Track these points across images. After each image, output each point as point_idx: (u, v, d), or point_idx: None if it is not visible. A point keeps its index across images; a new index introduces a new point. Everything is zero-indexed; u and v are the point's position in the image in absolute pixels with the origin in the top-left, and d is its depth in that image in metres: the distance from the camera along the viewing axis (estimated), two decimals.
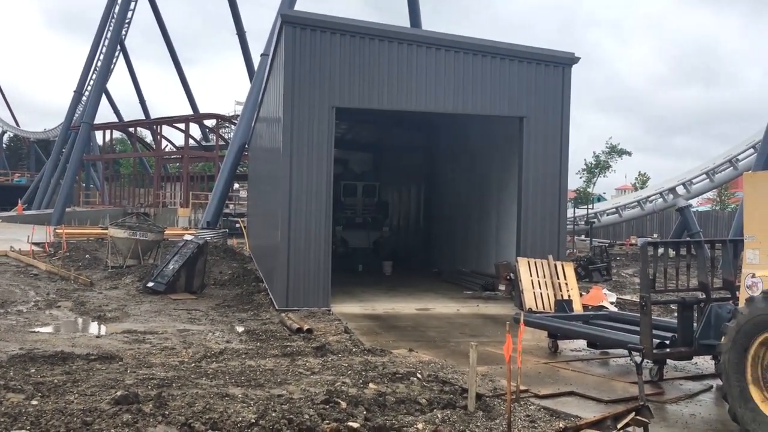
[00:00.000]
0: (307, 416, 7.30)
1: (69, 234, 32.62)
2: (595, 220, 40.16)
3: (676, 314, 10.44)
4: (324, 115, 16.84)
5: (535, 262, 17.35)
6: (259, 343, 12.47)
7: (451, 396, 8.76)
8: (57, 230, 34.12)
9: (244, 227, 36.44)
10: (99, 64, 57.23)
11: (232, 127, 54.06)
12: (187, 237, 23.69)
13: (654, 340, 9.58)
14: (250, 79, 47.40)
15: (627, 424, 5.92)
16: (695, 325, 9.75)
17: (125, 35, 62.81)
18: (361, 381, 9.30)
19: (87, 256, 26.63)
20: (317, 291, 16.63)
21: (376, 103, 17.58)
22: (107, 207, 58.76)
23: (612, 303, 17.34)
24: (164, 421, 6.98)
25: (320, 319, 15.10)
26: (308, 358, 10.93)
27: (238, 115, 45.53)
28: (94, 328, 14.56)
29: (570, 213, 36.99)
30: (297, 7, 33.00)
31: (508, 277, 18.80)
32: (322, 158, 16.83)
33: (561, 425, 7.51)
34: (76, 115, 61.33)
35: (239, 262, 25.61)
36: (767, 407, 7.10)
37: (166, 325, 14.50)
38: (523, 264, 17.27)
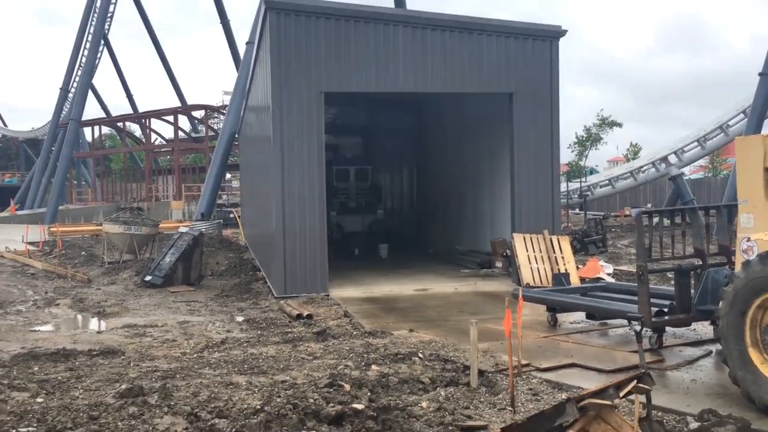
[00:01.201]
0: (311, 400, 7.34)
1: (63, 232, 32.54)
2: (589, 192, 40.29)
3: (673, 282, 10.52)
4: (312, 100, 16.78)
5: (531, 238, 17.41)
6: (259, 331, 12.51)
7: (454, 374, 8.82)
8: (51, 228, 34.01)
9: (238, 217, 36.40)
10: (84, 60, 56.75)
11: (221, 117, 53.82)
12: (182, 229, 23.67)
13: (652, 308, 9.65)
14: (237, 68, 47.13)
15: (629, 392, 5.96)
16: (692, 291, 9.83)
17: (108, 29, 62.27)
18: (363, 363, 9.35)
19: (83, 253, 26.59)
20: (315, 277, 16.67)
21: (364, 86, 17.52)
22: (100, 203, 58.59)
23: (609, 274, 17.43)
24: (170, 411, 7.01)
25: (319, 305, 15.15)
26: (310, 344, 10.97)
27: (226, 105, 45.30)
28: (94, 323, 14.57)
29: (563, 187, 37.03)
30: None
31: (504, 254, 18.87)
32: (313, 144, 16.79)
33: (564, 396, 7.57)
34: (64, 112, 60.90)
35: (235, 252, 25.62)
36: (767, 369, 7.17)
37: (166, 318, 14.52)
38: (518, 240, 17.33)
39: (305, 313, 13.67)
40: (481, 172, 22.16)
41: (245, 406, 7.16)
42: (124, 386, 7.91)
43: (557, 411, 5.59)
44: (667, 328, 10.38)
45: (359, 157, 30.65)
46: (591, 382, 8.16)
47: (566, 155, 57.48)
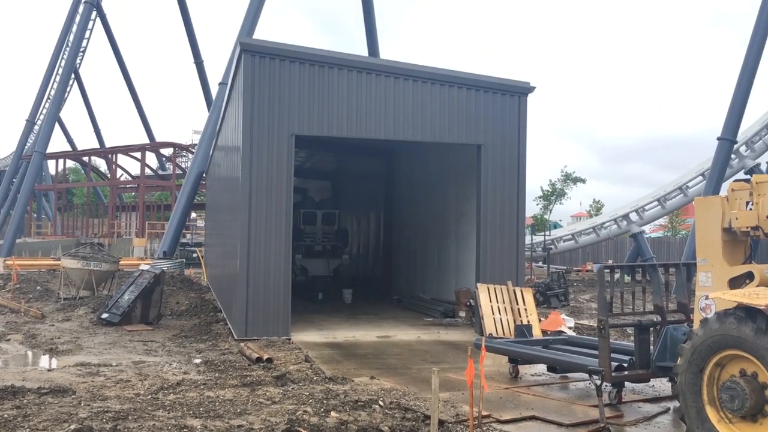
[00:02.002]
0: None
1: (19, 265, 31.69)
2: (552, 246, 40.80)
3: (632, 338, 10.62)
4: (283, 143, 16.83)
5: (495, 288, 17.49)
6: (217, 374, 12.24)
7: (414, 423, 8.72)
8: (7, 261, 33.12)
9: (202, 257, 35.94)
10: (52, 92, 56.26)
11: (190, 156, 53.57)
12: (143, 267, 23.24)
13: (612, 363, 9.72)
14: (208, 107, 47.17)
15: None
16: (652, 347, 9.94)
17: (80, 64, 62.01)
18: (322, 410, 9.19)
19: (38, 287, 25.88)
20: (277, 320, 16.45)
21: (335, 131, 17.66)
22: (60, 237, 57.33)
23: (570, 328, 17.54)
24: None
25: (280, 348, 14.91)
26: (268, 388, 10.76)
27: (195, 144, 45.16)
28: (45, 361, 14.11)
29: (527, 240, 37.48)
30: (253, 35, 33.08)
31: (468, 304, 18.89)
32: (282, 187, 16.77)
33: None
34: (28, 144, 60.00)
35: (197, 292, 25.20)
36: (724, 427, 7.23)
37: (121, 357, 14.13)
38: (482, 290, 17.39)
39: (265, 357, 13.44)
40: (447, 222, 22.33)
41: None
42: (73, 427, 7.65)
43: None
44: (627, 384, 10.45)
45: (327, 201, 30.69)
46: None
47: (531, 208, 58.32)
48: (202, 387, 10.84)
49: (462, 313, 19.39)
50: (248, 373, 12.05)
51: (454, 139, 18.57)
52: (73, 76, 59.28)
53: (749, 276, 7.85)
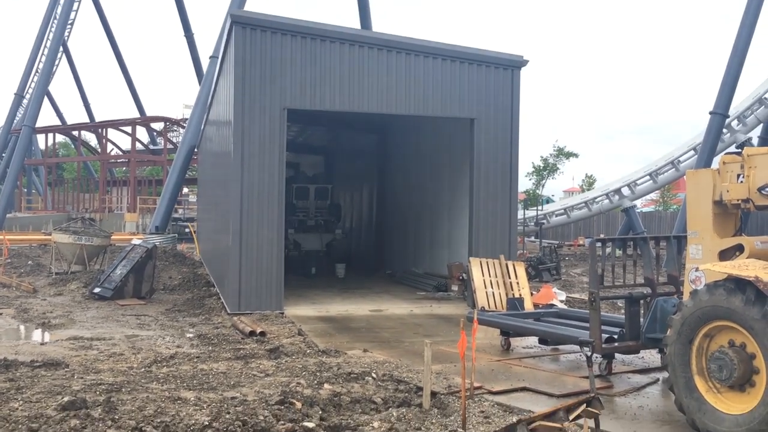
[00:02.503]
0: (261, 417, 7.23)
1: (10, 240, 31.57)
2: (545, 221, 40.89)
3: (623, 310, 10.72)
4: (275, 117, 16.72)
5: (487, 262, 17.55)
6: (211, 347, 12.29)
7: (406, 394, 8.80)
8: None
9: (194, 232, 35.87)
10: (41, 65, 55.59)
11: (181, 130, 53.22)
12: (135, 242, 23.20)
13: (603, 335, 9.81)
14: (199, 81, 46.77)
15: (578, 416, 6.04)
16: (642, 319, 10.03)
17: (68, 36, 61.22)
18: (315, 382, 9.26)
19: (30, 262, 25.83)
20: (270, 294, 16.48)
21: (328, 105, 17.55)
22: (50, 212, 57.06)
23: (561, 301, 17.66)
24: (114, 425, 6.82)
25: (273, 322, 14.97)
26: (262, 361, 10.82)
27: (186, 119, 44.81)
28: (38, 335, 14.13)
29: (520, 214, 37.55)
30: (244, 7, 32.69)
31: (460, 278, 18.97)
32: (274, 161, 16.70)
33: (514, 419, 7.60)
34: (17, 118, 59.43)
35: (189, 267, 25.20)
36: (712, 397, 7.33)
37: (113, 331, 14.16)
38: (475, 264, 17.45)
39: (258, 330, 13.50)
40: (440, 196, 22.33)
41: (193, 421, 7.01)
42: (66, 399, 7.68)
43: None
44: (617, 355, 10.56)
45: (320, 175, 30.59)
46: (542, 406, 8.22)
47: (524, 183, 58.47)
48: (195, 360, 10.89)
49: (454, 287, 19.48)
50: (241, 347, 12.11)
51: (447, 113, 18.50)
52: (61, 49, 58.55)
53: (739, 248, 7.90)
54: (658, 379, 10.17)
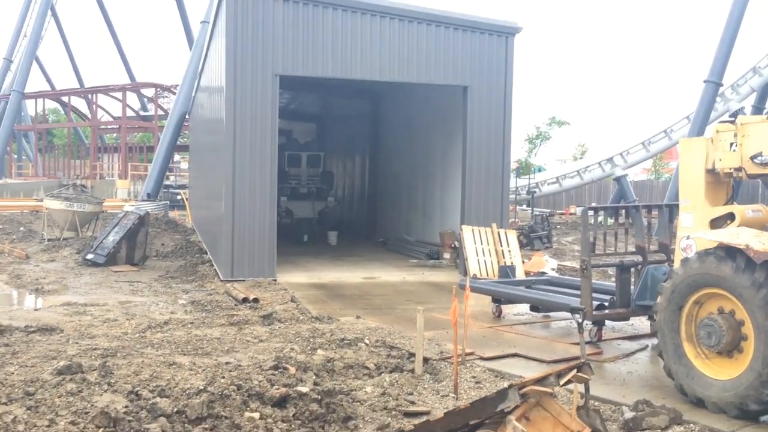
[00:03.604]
0: (256, 382, 7.31)
1: (1, 207, 31.43)
2: (537, 189, 40.95)
3: (613, 279, 10.82)
4: (267, 83, 16.59)
5: (479, 230, 17.61)
6: (204, 314, 12.36)
7: (399, 360, 8.90)
8: None
9: (186, 199, 35.78)
10: (29, 30, 54.71)
11: (172, 96, 52.66)
12: (128, 208, 23.14)
13: (593, 302, 9.91)
14: (190, 47, 46.19)
15: (569, 381, 6.11)
16: (632, 287, 10.13)
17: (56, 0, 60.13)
18: (309, 348, 9.35)
19: (21, 228, 25.76)
20: (262, 261, 16.54)
21: (320, 71, 17.41)
22: (41, 179, 56.67)
23: (553, 269, 17.79)
24: (110, 389, 6.88)
25: (266, 289, 15.04)
26: (255, 327, 10.90)
27: (177, 85, 44.35)
28: (31, 300, 14.15)
29: (512, 183, 37.62)
30: None
31: (452, 245, 19.06)
32: (266, 128, 16.61)
33: (506, 384, 7.71)
34: (5, 83, 58.68)
35: (182, 234, 25.21)
36: (700, 363, 7.45)
37: (107, 297, 14.20)
38: (467, 232, 17.51)
39: (252, 297, 13.57)
40: (432, 164, 22.30)
41: (188, 386, 7.08)
42: (62, 363, 7.73)
43: (499, 397, 5.69)
44: (607, 322, 10.68)
45: (312, 143, 30.46)
46: (532, 372, 8.33)
47: (516, 151, 58.38)
48: (189, 326, 10.96)
49: (447, 255, 19.58)
50: (235, 313, 12.18)
51: (440, 80, 18.38)
52: (50, 12, 57.59)
53: (731, 217, 7.96)
54: (647, 346, 10.32)
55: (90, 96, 59.38)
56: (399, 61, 17.70)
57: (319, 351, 9.12)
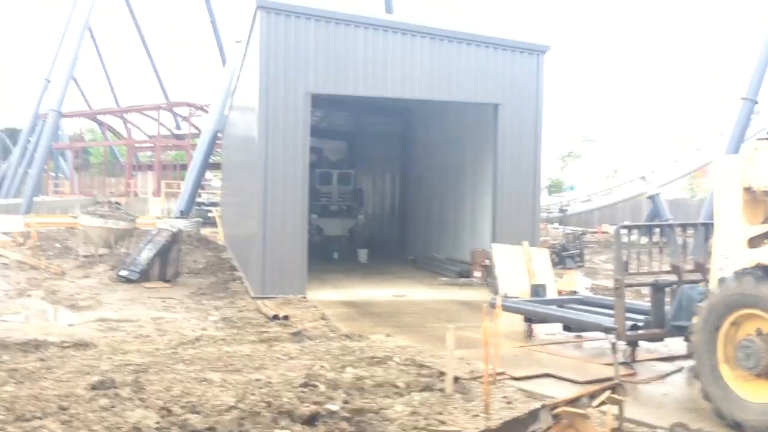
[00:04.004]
0: (286, 399, 7.31)
1: (39, 224, 32.09)
2: (568, 207, 40.61)
3: (647, 298, 10.64)
4: (299, 101, 16.75)
5: (510, 249, 17.48)
6: (235, 330, 12.43)
7: (429, 379, 8.83)
8: (26, 219, 33.53)
9: (218, 216, 36.16)
10: (68, 51, 56.07)
11: (205, 115, 53.44)
12: (161, 225, 23.45)
13: (627, 322, 9.74)
14: (223, 65, 46.90)
15: (602, 402, 6.01)
16: (667, 307, 9.93)
17: (93, 24, 61.58)
18: (339, 365, 9.33)
19: (57, 245, 26.23)
20: (293, 278, 16.60)
21: (351, 90, 17.56)
22: (77, 196, 57.84)
23: (586, 288, 17.56)
24: (142, 405, 6.95)
25: (297, 306, 15.09)
26: (285, 344, 10.93)
27: (210, 104, 45.03)
28: (66, 316, 14.37)
29: (543, 201, 37.33)
30: None
31: (483, 264, 18.93)
32: (298, 146, 16.75)
33: (538, 405, 7.61)
34: (44, 102, 60.13)
35: (213, 251, 25.46)
36: (738, 385, 7.26)
37: (140, 313, 14.36)
38: (498, 250, 17.39)
39: (282, 314, 13.62)
40: (463, 182, 22.25)
41: (219, 402, 7.11)
42: (95, 378, 7.83)
43: (531, 418, 5.63)
44: (641, 343, 10.48)
45: (343, 161, 30.65)
46: (565, 392, 8.20)
47: (548, 170, 57.99)
48: (220, 342, 11.03)
49: (477, 273, 19.45)
50: (265, 330, 12.23)
51: (471, 98, 18.41)
52: (87, 34, 59.02)
53: None
54: (682, 367, 10.09)
55: (125, 115, 60.58)
56: (430, 79, 17.76)
57: (349, 369, 9.10)
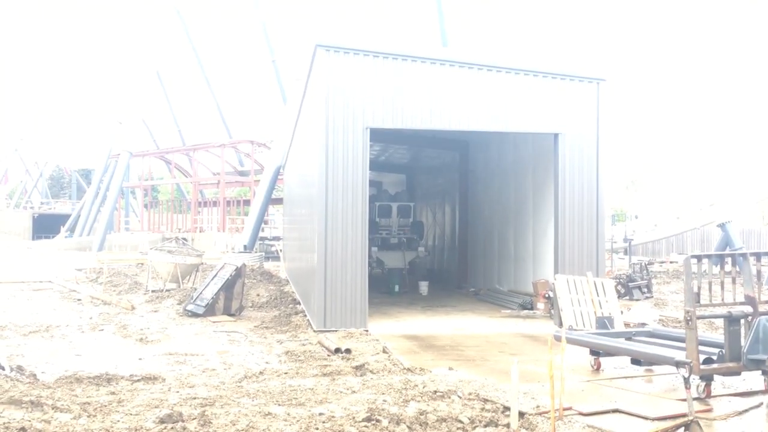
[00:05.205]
0: None
1: (110, 260, 33.27)
2: (633, 237, 39.63)
3: (720, 331, 10.22)
4: (358, 136, 16.99)
5: (574, 280, 17.15)
6: (298, 364, 12.51)
7: (493, 414, 8.67)
8: (99, 256, 34.82)
9: (280, 250, 36.73)
10: (138, 94, 58.61)
11: (267, 151, 54.73)
12: (225, 260, 23.96)
13: (700, 355, 9.38)
14: (284, 103, 48.11)
15: None
16: (743, 339, 9.53)
17: (161, 67, 64.31)
18: (401, 399, 9.27)
19: (128, 280, 27.10)
20: (354, 312, 16.66)
21: (409, 123, 17.69)
22: (146, 233, 59.77)
23: (654, 320, 17.01)
24: None
25: (358, 340, 15.10)
26: (348, 378, 10.93)
27: (272, 140, 46.15)
28: (136, 350, 14.76)
29: (608, 231, 36.55)
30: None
31: (546, 296, 18.60)
32: (357, 180, 16.94)
33: None
34: (115, 143, 62.75)
35: (276, 285, 25.81)
36: None
37: (206, 347, 14.64)
38: (561, 282, 17.09)
39: (344, 348, 13.64)
40: (524, 213, 22.03)
41: None
42: (164, 412, 7.99)
43: None
44: (716, 377, 10.06)
45: (402, 193, 30.77)
46: (635, 429, 7.93)
47: (612, 199, 56.83)
48: (283, 376, 11.12)
49: (540, 305, 19.11)
50: (327, 363, 12.27)
51: (530, 128, 18.31)
52: (156, 78, 61.60)
53: None
54: (761, 403, 9.61)
55: (191, 153, 62.58)
56: (488, 110, 17.78)
57: (412, 403, 9.02)
